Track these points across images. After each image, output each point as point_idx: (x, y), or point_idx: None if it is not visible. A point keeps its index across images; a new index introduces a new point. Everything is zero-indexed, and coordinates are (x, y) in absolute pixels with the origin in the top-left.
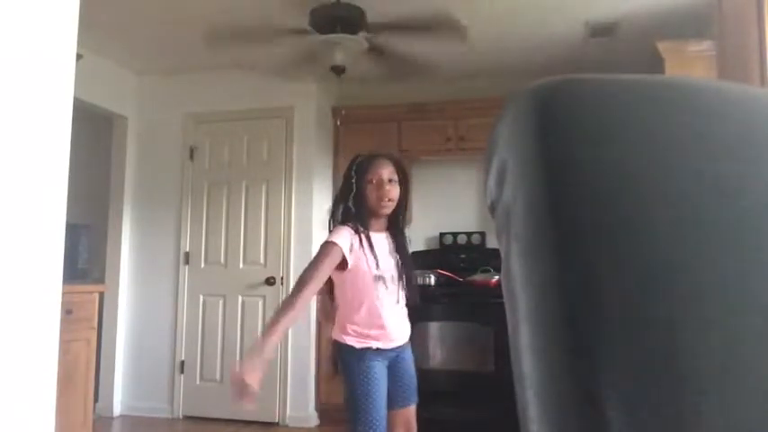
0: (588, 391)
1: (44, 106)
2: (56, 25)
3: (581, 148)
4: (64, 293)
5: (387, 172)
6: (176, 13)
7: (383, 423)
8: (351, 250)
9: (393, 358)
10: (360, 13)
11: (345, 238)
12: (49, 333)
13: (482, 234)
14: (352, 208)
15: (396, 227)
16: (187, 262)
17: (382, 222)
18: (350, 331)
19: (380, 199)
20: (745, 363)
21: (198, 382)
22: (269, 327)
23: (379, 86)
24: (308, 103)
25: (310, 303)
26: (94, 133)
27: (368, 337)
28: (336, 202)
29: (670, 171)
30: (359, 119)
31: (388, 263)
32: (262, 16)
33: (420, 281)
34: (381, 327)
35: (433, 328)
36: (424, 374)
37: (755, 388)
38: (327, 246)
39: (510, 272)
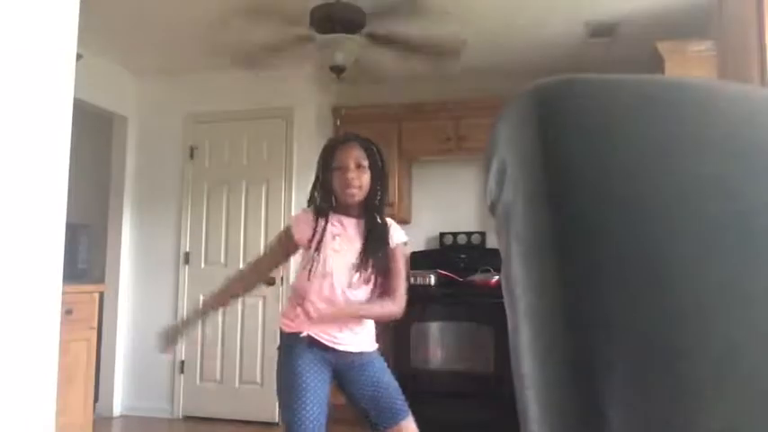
0: (588, 391)
1: (44, 106)
2: (56, 25)
3: (581, 148)
4: (64, 293)
5: (353, 157)
6: (176, 14)
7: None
8: (305, 232)
9: (349, 366)
10: (360, 13)
11: (300, 219)
12: (49, 333)
13: (482, 234)
14: (317, 197)
15: (369, 215)
16: (187, 262)
17: (355, 207)
18: (284, 314)
19: (344, 187)
20: (746, 364)
21: (198, 382)
22: (217, 292)
23: (379, 86)
24: (308, 103)
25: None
26: (94, 133)
27: (297, 319)
28: (311, 190)
29: (670, 171)
30: (359, 119)
31: (344, 249)
32: (261, 16)
33: (420, 281)
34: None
35: (433, 328)
36: (424, 374)
37: (756, 389)
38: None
39: (510, 272)
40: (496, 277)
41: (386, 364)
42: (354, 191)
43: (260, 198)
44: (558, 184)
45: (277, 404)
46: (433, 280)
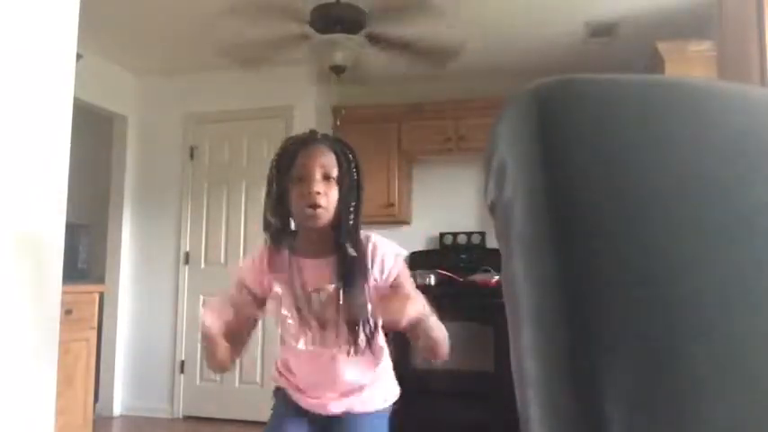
0: (588, 391)
1: (44, 106)
2: (56, 25)
3: (580, 147)
4: (64, 293)
5: (318, 164)
6: (176, 14)
7: None
8: (262, 279)
9: (334, 424)
10: (360, 13)
11: (252, 263)
12: (49, 333)
13: (482, 234)
14: (272, 219)
15: (340, 247)
16: (187, 262)
17: (322, 240)
18: (278, 364)
19: (304, 206)
20: (746, 363)
21: (198, 382)
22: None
23: (379, 86)
24: (308, 103)
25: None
26: (94, 133)
27: (288, 381)
28: (264, 212)
29: (670, 171)
30: (359, 119)
31: (325, 304)
32: (261, 15)
33: (420, 281)
34: (298, 378)
35: None
36: (424, 374)
37: (755, 388)
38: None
39: (511, 272)
40: (496, 277)
41: None
42: (319, 211)
43: (260, 198)
44: (557, 184)
45: None
46: (433, 280)
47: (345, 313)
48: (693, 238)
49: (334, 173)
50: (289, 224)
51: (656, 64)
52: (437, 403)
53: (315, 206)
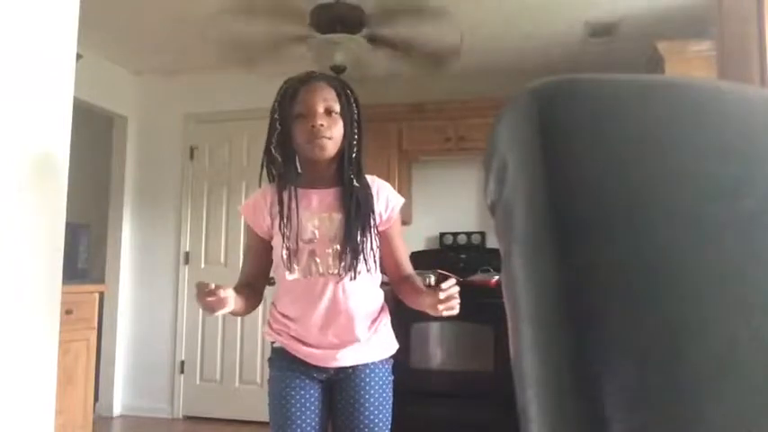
0: (588, 390)
1: (44, 106)
2: (56, 25)
3: (581, 147)
4: (64, 293)
5: (321, 99)
6: (176, 13)
7: None
8: (267, 214)
9: (340, 377)
10: (360, 13)
11: (255, 200)
12: (49, 333)
13: (482, 234)
14: (277, 155)
15: (345, 179)
16: (187, 262)
17: (326, 174)
18: (270, 320)
19: (309, 139)
20: (745, 363)
21: (198, 382)
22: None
23: (379, 86)
24: None
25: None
26: (94, 133)
27: (283, 331)
28: (266, 148)
29: (670, 171)
30: None
31: (321, 232)
32: (262, 16)
33: (420, 281)
34: (295, 321)
35: (434, 328)
36: (424, 374)
37: (755, 388)
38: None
39: (511, 272)
40: (496, 277)
41: (389, 386)
42: (324, 141)
43: None
44: (558, 184)
45: None
46: (432, 280)
47: (346, 240)
48: (693, 238)
49: (336, 108)
50: (294, 162)
51: (656, 64)
52: (437, 403)
53: (320, 137)
